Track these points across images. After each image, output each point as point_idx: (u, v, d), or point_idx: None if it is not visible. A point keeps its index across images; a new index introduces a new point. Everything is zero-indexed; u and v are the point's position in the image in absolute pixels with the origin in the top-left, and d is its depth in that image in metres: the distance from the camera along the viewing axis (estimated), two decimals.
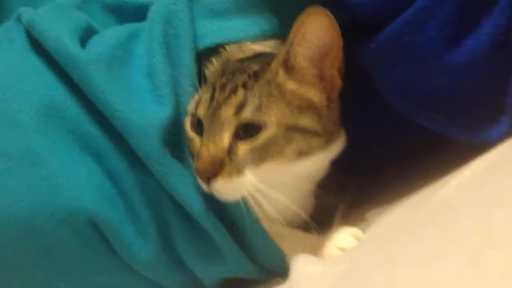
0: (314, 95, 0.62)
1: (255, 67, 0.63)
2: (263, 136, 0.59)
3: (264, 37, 0.66)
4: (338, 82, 0.63)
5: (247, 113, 0.58)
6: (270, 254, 0.66)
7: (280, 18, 0.66)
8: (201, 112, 0.61)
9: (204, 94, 0.62)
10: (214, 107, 0.60)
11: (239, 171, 0.58)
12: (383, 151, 0.71)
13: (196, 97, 0.63)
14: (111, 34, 0.69)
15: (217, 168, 0.58)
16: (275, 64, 0.61)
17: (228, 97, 0.59)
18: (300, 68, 0.61)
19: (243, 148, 0.59)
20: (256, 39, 0.67)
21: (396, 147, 0.70)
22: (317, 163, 0.64)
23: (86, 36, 0.69)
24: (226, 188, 0.58)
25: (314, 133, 0.61)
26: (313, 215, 0.67)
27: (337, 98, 0.64)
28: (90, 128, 0.64)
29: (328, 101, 0.63)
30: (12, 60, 0.69)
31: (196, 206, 0.62)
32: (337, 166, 0.67)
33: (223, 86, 0.61)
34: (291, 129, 0.60)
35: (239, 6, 0.67)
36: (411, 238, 0.50)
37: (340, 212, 0.72)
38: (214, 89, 0.61)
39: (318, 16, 0.57)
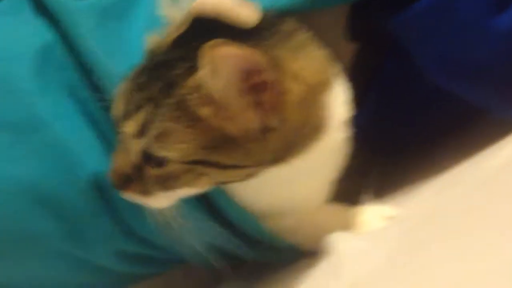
0: (238, 129, 0.47)
1: (179, 67, 0.47)
2: (166, 169, 0.49)
3: None
4: (271, 114, 0.47)
5: (147, 143, 0.47)
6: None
7: None
8: (115, 110, 0.50)
9: (124, 92, 0.50)
10: (123, 117, 0.49)
11: (146, 192, 0.51)
12: (408, 130, 0.69)
13: (119, 87, 0.51)
14: None
15: (124, 182, 0.50)
16: (189, 83, 0.46)
17: (135, 111, 0.48)
18: (215, 99, 0.46)
19: (150, 172, 0.50)
20: None
21: (421, 126, 0.68)
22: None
23: None
24: (138, 201, 0.52)
25: (235, 167, 0.50)
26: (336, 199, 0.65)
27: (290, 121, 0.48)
28: (86, 91, 0.61)
29: (266, 131, 0.48)
30: (14, 27, 0.65)
31: None
32: (358, 147, 0.61)
33: (137, 90, 0.48)
34: (200, 164, 0.48)
35: None
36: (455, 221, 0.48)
37: (366, 194, 0.70)
38: (131, 90, 0.49)
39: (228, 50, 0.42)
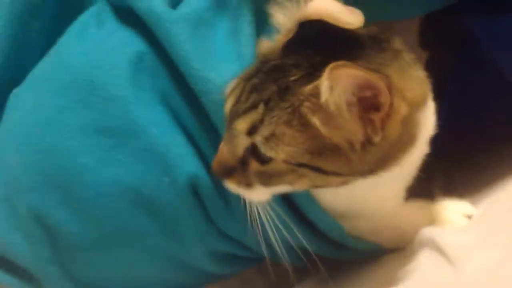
0: (344, 139, 0.49)
1: (296, 73, 0.49)
2: (270, 167, 0.51)
3: None
4: (377, 131, 0.48)
5: (257, 140, 0.50)
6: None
7: None
8: (226, 108, 0.53)
9: (235, 89, 0.53)
10: (234, 114, 0.52)
11: (247, 185, 0.54)
12: (480, 128, 0.70)
13: (231, 84, 0.54)
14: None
15: (228, 173, 0.54)
16: (305, 91, 0.48)
17: (248, 110, 0.50)
18: (330, 111, 0.47)
19: (254, 166, 0.52)
20: None
21: (496, 123, 0.69)
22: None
23: (175, 1, 0.66)
24: (239, 192, 0.55)
25: (335, 174, 0.51)
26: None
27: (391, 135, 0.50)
28: (177, 98, 0.63)
29: (368, 144, 0.50)
30: (101, 37, 0.67)
31: None
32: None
33: (251, 91, 0.51)
34: (304, 166, 0.50)
35: None
36: None
37: (437, 191, 0.71)
38: (243, 89, 0.52)
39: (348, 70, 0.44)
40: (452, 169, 0.73)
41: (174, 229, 0.64)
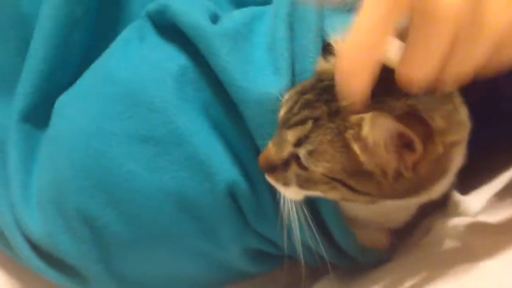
0: (378, 168, 0.52)
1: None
2: (308, 174, 0.55)
3: None
4: (408, 171, 0.52)
5: (300, 153, 0.54)
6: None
7: None
8: (279, 115, 0.58)
9: (289, 100, 0.57)
10: (285, 123, 0.56)
11: (285, 183, 0.58)
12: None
13: (287, 94, 0.59)
14: (238, 14, 0.70)
15: (271, 169, 0.58)
16: (351, 120, 0.51)
17: (298, 124, 0.54)
18: (369, 144, 0.51)
19: (294, 169, 0.56)
20: None
21: None
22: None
23: (212, 17, 0.70)
24: (276, 184, 0.59)
25: (365, 194, 0.55)
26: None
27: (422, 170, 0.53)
28: (217, 107, 0.68)
29: (399, 176, 0.53)
30: (144, 52, 0.72)
31: None
32: None
33: (304, 106, 0.55)
34: (338, 182, 0.54)
35: None
36: None
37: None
38: (296, 101, 0.56)
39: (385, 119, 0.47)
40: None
41: (213, 230, 0.69)
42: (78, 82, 0.77)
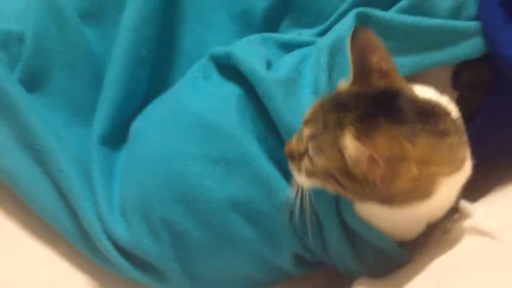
0: (360, 174, 0.64)
1: (351, 113, 0.65)
2: (314, 167, 0.69)
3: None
4: (384, 180, 0.63)
5: (310, 146, 0.68)
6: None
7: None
8: (305, 115, 0.71)
9: (316, 105, 0.70)
10: (305, 122, 0.70)
11: (299, 169, 0.72)
12: (501, 149, 0.86)
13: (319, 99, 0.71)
14: (288, 59, 0.85)
15: (291, 157, 0.73)
16: (343, 134, 0.63)
17: (312, 124, 0.69)
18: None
19: (306, 161, 0.70)
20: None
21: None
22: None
23: (267, 64, 0.85)
24: (293, 171, 0.74)
25: (351, 192, 0.69)
26: None
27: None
28: (271, 139, 0.82)
29: (374, 184, 0.64)
30: (211, 88, 0.87)
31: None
32: None
33: (321, 113, 0.68)
34: (332, 177, 0.68)
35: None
36: None
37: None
38: (317, 109, 0.70)
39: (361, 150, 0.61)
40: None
41: (273, 237, 0.82)
42: (151, 111, 0.93)
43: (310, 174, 0.70)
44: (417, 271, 0.73)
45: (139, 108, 0.98)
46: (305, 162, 0.70)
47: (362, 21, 0.81)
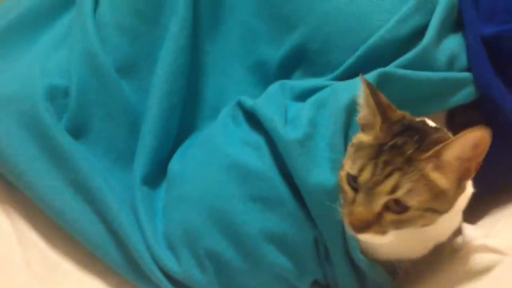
0: (448, 185, 0.73)
1: (409, 150, 0.73)
2: (407, 216, 0.73)
3: None
4: (472, 173, 0.74)
5: (399, 195, 0.71)
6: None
7: None
8: (363, 179, 0.74)
9: (368, 164, 0.75)
10: (374, 182, 0.73)
11: (383, 232, 0.75)
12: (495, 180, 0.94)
13: (359, 161, 0.76)
14: (304, 113, 0.95)
15: (366, 226, 0.74)
16: (427, 155, 0.71)
17: (386, 177, 0.72)
18: (448, 164, 0.72)
19: (389, 218, 0.73)
20: None
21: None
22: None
23: (287, 114, 0.97)
24: (371, 238, 0.76)
25: (440, 212, 0.75)
26: None
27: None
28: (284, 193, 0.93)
29: (457, 188, 0.75)
30: (242, 136, 1.00)
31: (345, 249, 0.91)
32: None
33: (385, 164, 0.73)
34: (426, 211, 0.73)
35: None
36: None
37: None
38: (376, 164, 0.74)
39: (481, 135, 0.69)
40: None
41: (300, 264, 0.94)
42: (189, 154, 1.06)
43: (401, 225, 0.74)
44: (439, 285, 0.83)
45: (171, 151, 1.10)
46: (390, 219, 0.74)
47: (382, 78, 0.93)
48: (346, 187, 0.78)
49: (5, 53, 1.15)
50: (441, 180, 0.73)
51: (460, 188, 0.76)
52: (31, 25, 1.19)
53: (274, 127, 0.93)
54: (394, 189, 0.72)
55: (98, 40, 1.09)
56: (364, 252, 0.91)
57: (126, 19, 1.11)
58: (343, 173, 0.79)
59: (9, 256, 1.00)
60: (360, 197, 0.75)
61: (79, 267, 1.04)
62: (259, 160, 0.95)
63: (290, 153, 0.90)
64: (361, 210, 0.74)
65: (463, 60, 0.99)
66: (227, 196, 0.95)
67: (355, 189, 0.77)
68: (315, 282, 0.99)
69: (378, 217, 0.74)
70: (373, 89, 0.78)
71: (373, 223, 0.74)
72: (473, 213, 0.91)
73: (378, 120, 0.77)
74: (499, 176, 0.98)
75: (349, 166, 0.77)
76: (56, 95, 1.07)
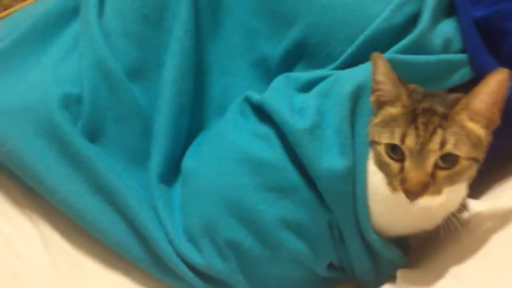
0: (483, 132, 0.80)
1: (440, 109, 0.79)
2: (458, 167, 0.78)
3: None
4: (497, 122, 0.81)
5: (449, 149, 0.76)
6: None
7: None
8: (409, 143, 0.78)
9: (408, 129, 0.79)
10: (421, 143, 0.77)
11: (438, 192, 0.79)
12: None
13: (398, 130, 0.80)
14: (311, 103, 0.98)
15: (423, 189, 0.77)
16: (459, 108, 0.78)
17: (432, 135, 0.77)
18: (478, 111, 0.79)
19: (442, 174, 0.78)
20: None
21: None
22: None
23: (294, 105, 1.01)
24: (427, 202, 0.79)
25: (479, 162, 0.81)
26: None
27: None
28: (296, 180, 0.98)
29: (487, 136, 0.81)
30: (252, 129, 1.04)
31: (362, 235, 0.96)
32: None
33: (425, 125, 0.78)
34: (472, 160, 0.79)
35: None
36: None
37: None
38: (417, 127, 0.79)
39: (504, 75, 0.76)
40: None
41: (315, 248, 0.99)
42: (202, 151, 1.10)
43: (454, 179, 0.80)
44: (452, 259, 0.87)
45: (183, 148, 1.15)
46: (442, 176, 0.78)
47: None
48: (388, 160, 0.82)
49: (16, 65, 1.19)
50: (477, 128, 0.80)
51: (488, 136, 0.81)
52: (39, 36, 1.23)
53: (283, 118, 0.97)
54: (442, 145, 0.77)
55: (107, 48, 1.13)
56: (377, 231, 0.96)
57: (132, 25, 1.16)
58: (380, 148, 0.83)
59: (36, 258, 1.05)
60: (410, 162, 0.79)
61: (103, 264, 1.09)
62: (270, 151, 0.99)
63: (300, 142, 0.95)
64: (414, 174, 0.78)
65: (457, 42, 1.04)
66: (242, 188, 0.99)
67: (397, 160, 0.81)
68: (330, 265, 1.04)
69: (432, 177, 0.78)
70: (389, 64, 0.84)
71: (429, 184, 0.78)
72: (476, 189, 0.94)
73: (403, 89, 0.83)
74: (498, 154, 1.01)
75: (388, 138, 0.82)
76: (70, 103, 1.11)
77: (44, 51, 1.21)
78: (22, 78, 1.15)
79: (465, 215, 0.98)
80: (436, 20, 1.03)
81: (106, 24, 1.16)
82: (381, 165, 0.85)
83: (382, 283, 1.01)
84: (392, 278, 0.99)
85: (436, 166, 0.78)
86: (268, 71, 1.18)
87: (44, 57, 1.20)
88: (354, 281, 1.10)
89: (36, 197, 1.09)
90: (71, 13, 1.26)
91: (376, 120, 0.87)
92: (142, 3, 1.15)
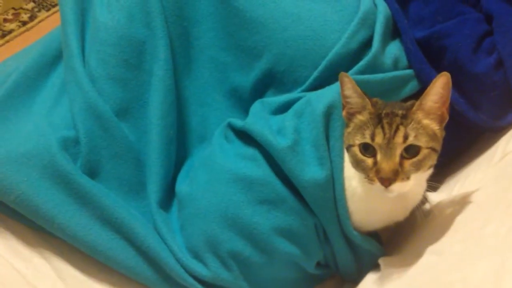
0: (437, 127, 0.94)
1: (400, 111, 0.93)
2: (420, 155, 0.91)
3: None
4: (447, 117, 0.95)
5: (411, 141, 0.90)
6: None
7: None
8: (379, 141, 0.91)
9: (376, 129, 0.92)
10: (388, 138, 0.90)
11: (407, 178, 0.91)
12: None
13: (368, 131, 0.94)
14: (288, 124, 1.11)
15: (395, 176, 0.90)
16: (415, 108, 0.93)
17: (396, 131, 0.90)
18: (430, 109, 0.93)
19: (408, 163, 0.91)
20: None
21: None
22: None
23: (272, 127, 1.14)
24: (399, 187, 0.91)
25: (437, 152, 0.94)
26: None
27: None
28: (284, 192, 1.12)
29: (441, 131, 0.95)
30: (238, 151, 1.17)
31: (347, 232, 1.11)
32: None
33: (389, 125, 0.91)
34: (431, 149, 0.91)
35: None
36: None
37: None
38: (383, 127, 0.92)
39: (446, 78, 0.90)
40: None
41: (306, 249, 1.13)
42: (194, 176, 1.23)
43: (419, 166, 0.92)
44: (426, 241, 0.99)
45: (174, 177, 1.28)
46: (408, 164, 0.92)
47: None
48: (363, 157, 0.95)
49: (9, 117, 1.28)
50: (431, 123, 0.94)
51: (442, 131, 0.96)
52: (26, 88, 1.32)
53: (266, 140, 1.10)
54: (405, 138, 0.91)
55: (95, 92, 1.24)
56: (356, 228, 1.11)
57: (115, 70, 1.26)
58: (355, 149, 0.96)
59: None
60: (381, 155, 0.93)
61: None
62: (258, 169, 1.13)
63: (284, 159, 1.08)
64: (385, 164, 0.91)
65: (404, 60, 1.21)
66: (237, 204, 1.12)
67: (370, 156, 0.94)
68: (318, 263, 1.19)
69: (400, 166, 0.91)
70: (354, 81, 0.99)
71: (399, 172, 0.91)
72: (433, 185, 1.06)
73: (367, 100, 0.97)
74: (450, 151, 1.16)
75: (360, 138, 0.95)
76: (69, 145, 1.21)
77: (33, 101, 1.31)
78: (18, 128, 1.24)
79: (427, 206, 1.16)
80: (385, 43, 1.20)
81: (92, 71, 1.27)
82: (358, 163, 0.97)
83: (362, 277, 1.16)
84: (373, 269, 1.14)
85: (403, 157, 0.92)
86: (241, 99, 1.32)
87: (34, 107, 1.30)
88: (338, 277, 1.27)
89: (46, 235, 1.17)
90: (50, 64, 1.36)
91: (349, 129, 1.00)
92: (122, 49, 1.26)
